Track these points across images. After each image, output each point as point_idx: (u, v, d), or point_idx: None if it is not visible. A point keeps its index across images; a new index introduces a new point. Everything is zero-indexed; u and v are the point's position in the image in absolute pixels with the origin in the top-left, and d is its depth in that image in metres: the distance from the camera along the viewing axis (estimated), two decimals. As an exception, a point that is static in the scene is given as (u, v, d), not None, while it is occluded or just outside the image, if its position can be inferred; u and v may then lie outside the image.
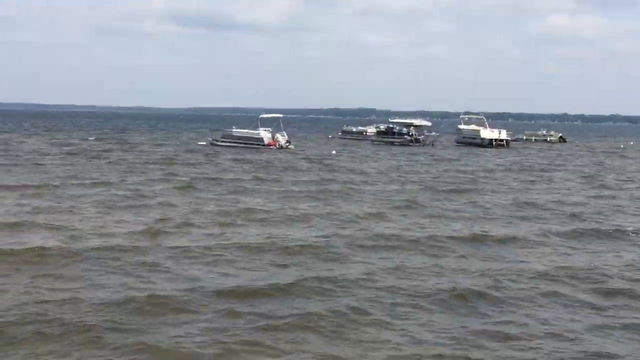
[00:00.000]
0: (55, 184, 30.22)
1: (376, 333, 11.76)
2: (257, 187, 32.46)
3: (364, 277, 15.25)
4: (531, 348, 11.35)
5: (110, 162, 44.27)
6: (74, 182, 31.61)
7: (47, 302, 12.55)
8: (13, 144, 59.35)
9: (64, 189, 28.78)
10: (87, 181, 32.06)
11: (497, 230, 22.13)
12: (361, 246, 18.63)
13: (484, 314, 13.14)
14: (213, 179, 35.26)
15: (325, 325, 12.00)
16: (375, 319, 12.42)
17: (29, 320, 11.54)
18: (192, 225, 21.00)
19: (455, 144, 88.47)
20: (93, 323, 11.47)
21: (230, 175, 37.38)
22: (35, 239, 17.91)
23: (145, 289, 13.70)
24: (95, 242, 17.73)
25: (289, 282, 14.57)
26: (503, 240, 20.27)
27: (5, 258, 15.73)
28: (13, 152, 50.12)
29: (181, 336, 11.26)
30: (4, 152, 49.66)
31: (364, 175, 41.03)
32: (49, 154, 49.08)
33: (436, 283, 15.04)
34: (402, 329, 11.95)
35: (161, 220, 21.66)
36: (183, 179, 34.63)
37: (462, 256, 18.05)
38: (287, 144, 67.10)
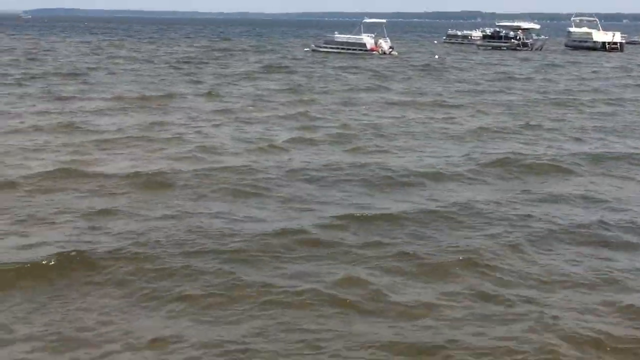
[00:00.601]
0: (165, 94, 29.73)
1: (519, 268, 10.37)
2: (370, 97, 31.22)
3: (493, 204, 13.71)
4: None
5: (218, 71, 43.57)
6: (184, 91, 31.24)
7: (160, 228, 11.65)
8: (121, 53, 59.42)
9: (179, 100, 28.28)
10: (194, 90, 31.65)
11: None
12: (489, 168, 16.76)
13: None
14: (322, 88, 34.24)
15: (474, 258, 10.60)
16: (511, 253, 10.95)
17: (142, 244, 10.79)
18: (306, 141, 19.80)
19: (564, 47, 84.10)
20: (199, 252, 10.58)
21: (339, 85, 36.21)
22: (145, 158, 17.24)
23: (259, 217, 12.53)
24: (210, 162, 16.82)
25: (415, 209, 13.08)
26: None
27: (117, 181, 14.75)
28: (119, 62, 49.70)
29: (307, 266, 10.26)
30: (113, 62, 49.58)
31: (474, 84, 39.04)
32: (160, 64, 48.33)
33: (577, 212, 13.45)
34: (545, 264, 10.55)
35: (274, 135, 20.76)
36: (291, 88, 33.73)
37: (620, 177, 16.26)
38: (391, 50, 65.37)
